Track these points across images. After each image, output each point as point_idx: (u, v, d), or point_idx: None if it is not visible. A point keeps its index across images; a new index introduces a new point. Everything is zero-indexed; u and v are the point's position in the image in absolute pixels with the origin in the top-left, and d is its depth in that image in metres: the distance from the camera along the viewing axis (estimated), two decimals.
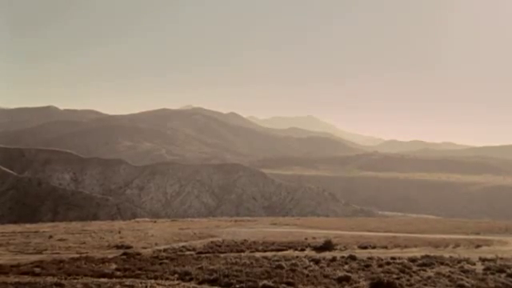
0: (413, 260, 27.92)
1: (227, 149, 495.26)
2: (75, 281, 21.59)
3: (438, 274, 23.59)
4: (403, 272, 23.96)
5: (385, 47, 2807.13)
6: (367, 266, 25.91)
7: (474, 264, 27.03)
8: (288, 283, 20.93)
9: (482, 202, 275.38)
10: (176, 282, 21.56)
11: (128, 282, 21.27)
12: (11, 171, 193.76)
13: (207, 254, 31.65)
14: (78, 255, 30.97)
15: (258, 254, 31.40)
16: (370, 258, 28.67)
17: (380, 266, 26.04)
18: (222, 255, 30.98)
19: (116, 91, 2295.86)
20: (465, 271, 24.42)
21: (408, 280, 21.91)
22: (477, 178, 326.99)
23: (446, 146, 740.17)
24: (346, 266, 25.76)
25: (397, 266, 25.76)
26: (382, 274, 22.89)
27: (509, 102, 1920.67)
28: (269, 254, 31.92)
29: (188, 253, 32.70)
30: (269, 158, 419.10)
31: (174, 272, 23.31)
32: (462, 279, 21.98)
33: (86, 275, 22.86)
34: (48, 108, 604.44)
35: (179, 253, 32.50)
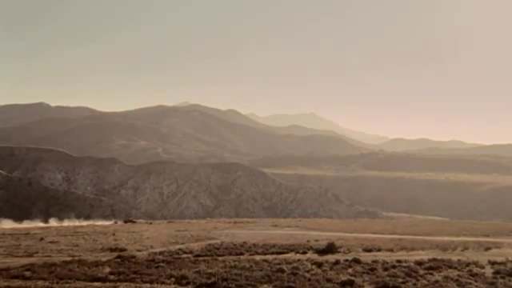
0: (419, 263, 27.42)
1: (226, 147, 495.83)
2: (67, 285, 21.43)
3: (446, 277, 23.18)
4: (409, 276, 23.53)
5: (389, 43, 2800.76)
6: (372, 269, 25.53)
7: (483, 267, 26.52)
8: (289, 287, 20.72)
9: (492, 202, 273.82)
10: (172, 286, 21.39)
11: (122, 286, 21.16)
12: (1, 170, 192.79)
13: (205, 257, 31.18)
14: (70, 258, 30.38)
15: (257, 257, 30.92)
16: (375, 262, 28.20)
17: (385, 269, 25.62)
18: (220, 258, 30.54)
19: (110, 88, 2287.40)
20: (474, 275, 23.97)
21: (414, 284, 21.65)
22: (486, 178, 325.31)
23: (453, 144, 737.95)
24: (350, 270, 25.41)
25: (403, 269, 25.32)
26: (388, 278, 22.59)
27: None
28: (269, 256, 31.48)
29: (185, 256, 32.13)
30: (269, 156, 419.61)
31: (171, 276, 23.04)
32: (470, 283, 21.65)
33: (78, 279, 22.65)
34: (39, 105, 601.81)
35: (176, 256, 31.95)
